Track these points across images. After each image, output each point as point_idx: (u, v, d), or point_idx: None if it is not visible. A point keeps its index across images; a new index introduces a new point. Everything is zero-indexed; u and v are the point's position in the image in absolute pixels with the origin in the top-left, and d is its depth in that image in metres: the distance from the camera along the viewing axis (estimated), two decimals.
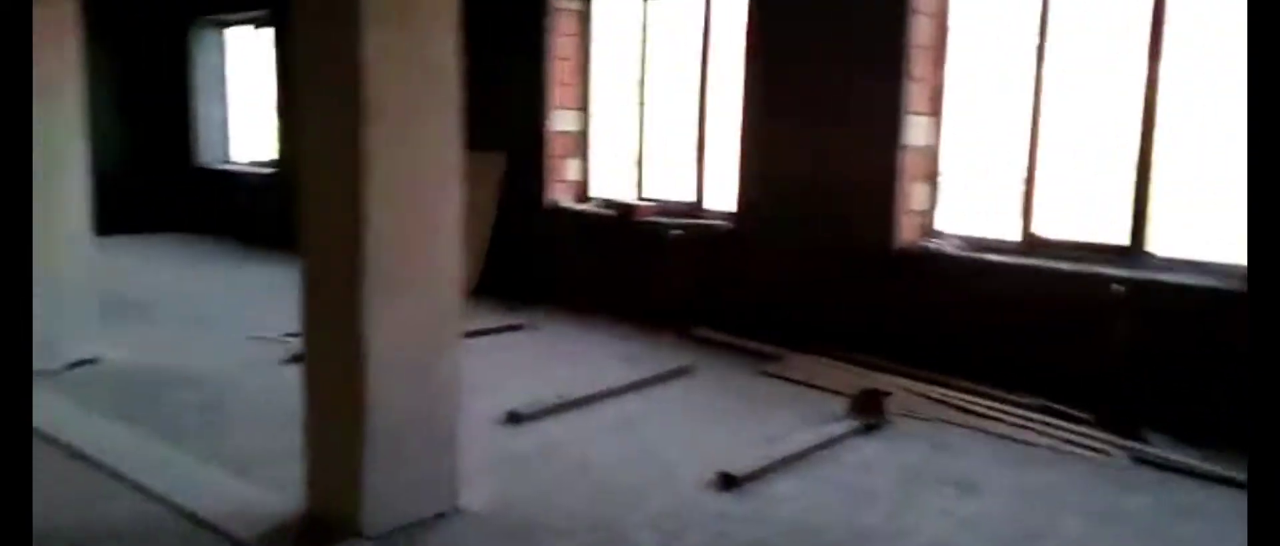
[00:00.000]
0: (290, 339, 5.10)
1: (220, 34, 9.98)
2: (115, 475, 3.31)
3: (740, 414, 4.29)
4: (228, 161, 10.04)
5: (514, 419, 4.05)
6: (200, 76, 9.92)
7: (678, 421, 4.16)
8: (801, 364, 5.01)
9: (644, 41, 6.41)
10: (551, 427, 4.01)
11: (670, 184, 6.49)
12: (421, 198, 2.87)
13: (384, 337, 2.81)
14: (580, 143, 6.91)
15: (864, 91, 5.07)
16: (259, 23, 9.42)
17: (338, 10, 2.67)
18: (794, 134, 5.40)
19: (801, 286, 5.42)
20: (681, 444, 3.87)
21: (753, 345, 5.37)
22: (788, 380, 4.81)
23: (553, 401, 4.24)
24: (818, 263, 5.35)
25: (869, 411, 4.13)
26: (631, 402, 4.41)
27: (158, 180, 9.98)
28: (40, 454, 3.41)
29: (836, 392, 4.49)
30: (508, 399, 4.23)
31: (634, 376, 4.72)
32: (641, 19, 6.40)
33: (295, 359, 3.99)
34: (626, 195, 6.64)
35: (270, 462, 3.41)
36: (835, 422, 4.07)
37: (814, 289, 5.37)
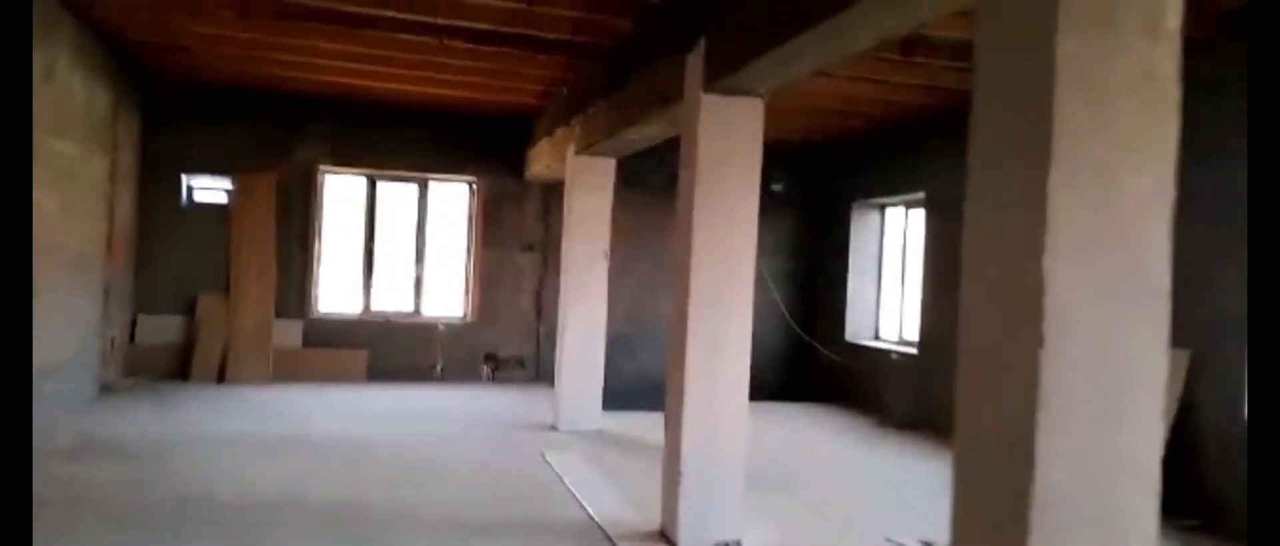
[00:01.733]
0: None
1: (879, 214, 10.41)
2: None
3: None
4: (876, 338, 10.25)
5: None
6: (857, 254, 10.38)
7: None
8: None
9: None
10: None
11: None
12: (1109, 422, 2.26)
13: None
14: None
15: None
16: (913, 204, 9.60)
17: (1025, 221, 2.24)
18: None
19: None
20: None
21: None
22: None
23: None
24: None
25: None
26: None
27: (811, 350, 10.61)
28: None
29: None
30: None
31: None
32: None
33: None
34: None
35: None
36: None
37: None
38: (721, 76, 4.51)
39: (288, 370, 9.63)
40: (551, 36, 6.69)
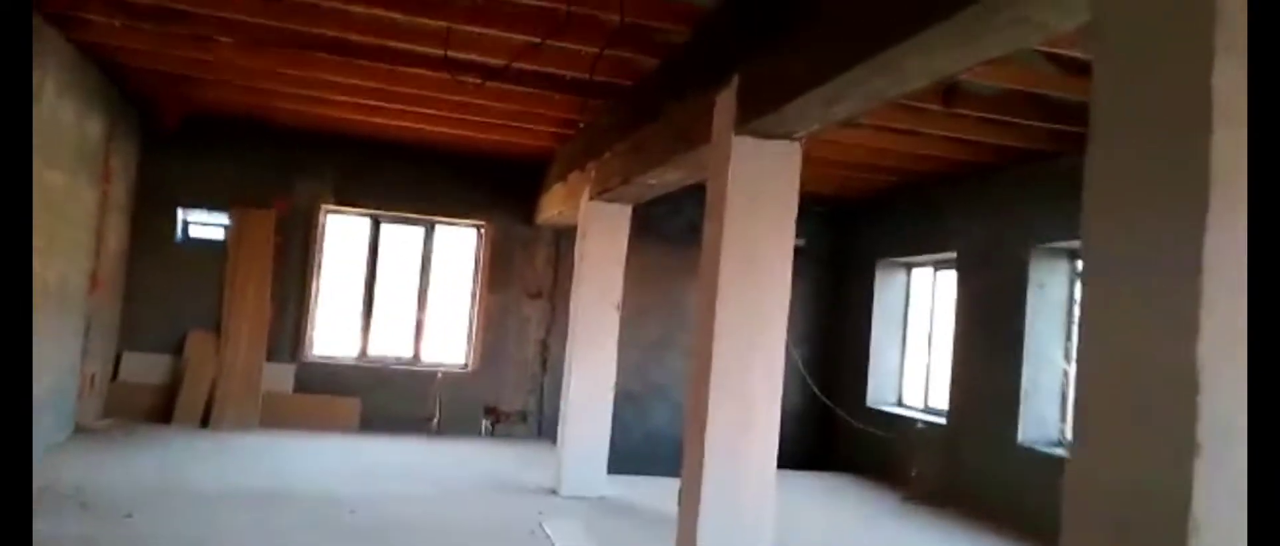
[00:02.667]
0: None
1: (905, 274, 9.92)
2: None
3: None
4: (899, 404, 9.70)
5: None
6: (881, 315, 9.88)
7: None
8: None
9: None
10: None
11: None
12: None
13: None
14: None
15: None
16: (942, 265, 9.12)
17: (1172, 296, 1.76)
18: None
19: None
20: None
21: None
22: None
23: None
24: None
25: None
26: None
27: (830, 415, 10.05)
28: None
29: None
30: None
31: None
32: None
33: None
34: None
35: None
36: None
37: None
38: (756, 117, 4.08)
39: (276, 416, 9.12)
40: (569, 75, 6.30)
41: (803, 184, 9.55)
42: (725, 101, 4.34)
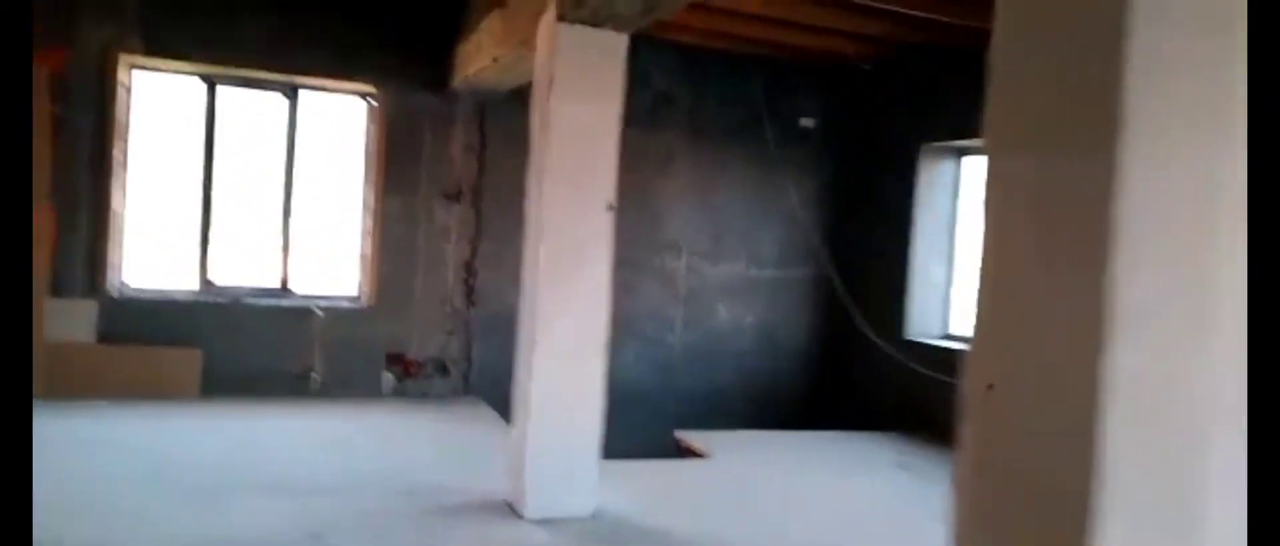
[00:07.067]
0: None
1: (955, 163, 7.40)
2: None
3: None
4: (946, 336, 7.29)
5: None
6: (925, 219, 7.38)
7: None
8: None
9: None
10: None
11: None
12: None
13: None
14: None
15: None
16: None
17: None
18: None
19: None
20: None
21: None
22: None
23: None
24: None
25: None
26: None
27: (863, 350, 7.54)
28: None
29: None
30: None
31: None
32: None
33: None
34: None
35: None
36: None
37: None
38: None
39: (70, 380, 6.04)
40: None
41: (817, 39, 6.70)
42: None
